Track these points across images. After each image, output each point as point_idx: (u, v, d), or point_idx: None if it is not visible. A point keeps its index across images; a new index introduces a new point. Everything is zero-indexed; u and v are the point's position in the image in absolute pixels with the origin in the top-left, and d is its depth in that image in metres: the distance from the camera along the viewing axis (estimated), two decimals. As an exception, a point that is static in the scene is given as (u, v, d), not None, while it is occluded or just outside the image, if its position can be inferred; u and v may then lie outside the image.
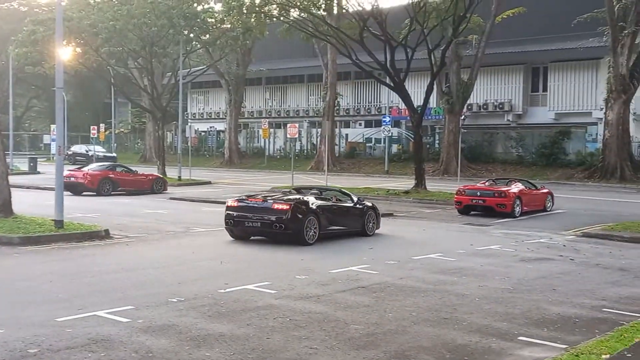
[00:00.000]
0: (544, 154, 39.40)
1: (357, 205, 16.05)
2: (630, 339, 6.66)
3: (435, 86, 32.38)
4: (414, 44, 26.32)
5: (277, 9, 30.50)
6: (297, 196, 15.25)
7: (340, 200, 16.17)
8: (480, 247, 14.33)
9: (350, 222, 15.67)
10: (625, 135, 35.14)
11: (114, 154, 54.57)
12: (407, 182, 30.33)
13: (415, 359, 6.54)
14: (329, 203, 15.49)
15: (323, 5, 29.84)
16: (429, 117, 41.58)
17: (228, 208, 14.62)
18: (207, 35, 38.35)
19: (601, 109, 36.71)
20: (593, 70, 39.49)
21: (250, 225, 14.22)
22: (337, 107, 47.47)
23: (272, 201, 14.29)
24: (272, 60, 54.11)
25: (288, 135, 33.42)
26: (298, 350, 6.70)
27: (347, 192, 17.31)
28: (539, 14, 40.12)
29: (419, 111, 27.24)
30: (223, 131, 54.35)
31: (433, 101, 40.10)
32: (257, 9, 30.38)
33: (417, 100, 30.84)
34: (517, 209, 20.46)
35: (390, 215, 20.03)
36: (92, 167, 28.21)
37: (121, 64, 39.76)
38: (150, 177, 29.02)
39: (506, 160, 41.20)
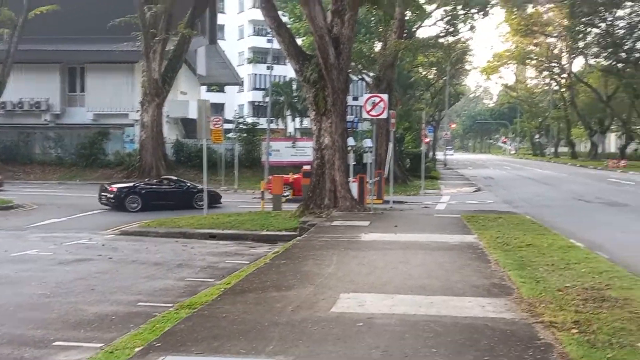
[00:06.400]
0: (83, 154, 39.25)
1: (187, 189, 24.28)
2: (162, 328, 7.06)
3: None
4: None
5: None
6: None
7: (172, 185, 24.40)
8: (16, 253, 13.59)
9: (177, 200, 23.56)
10: (159, 136, 37.31)
11: None
12: None
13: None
14: (154, 187, 24.24)
15: None
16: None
17: (102, 190, 23.51)
18: None
19: (137, 111, 38.17)
20: (129, 73, 40.69)
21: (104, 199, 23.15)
22: None
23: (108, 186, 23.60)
24: None
25: None
26: None
27: (184, 180, 25.56)
28: (74, 14, 39.49)
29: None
30: None
31: (-41, 97, 36.32)
32: None
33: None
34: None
35: None
36: None
37: None
38: None
39: (45, 161, 39.81)
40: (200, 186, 24.76)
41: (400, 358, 5.77)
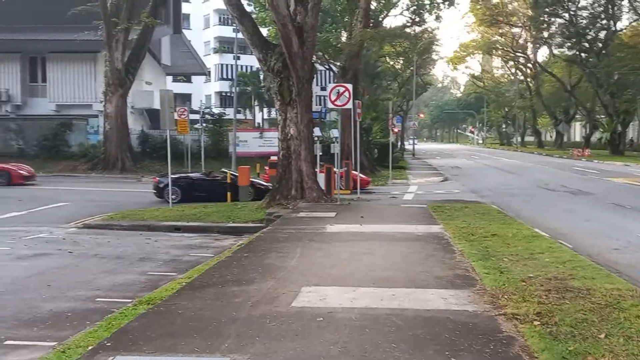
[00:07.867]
0: (46, 146, 38.53)
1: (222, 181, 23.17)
2: (118, 325, 6.81)
3: None
4: None
5: None
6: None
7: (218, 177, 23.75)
8: (-29, 249, 13.19)
9: (213, 192, 22.62)
10: (124, 128, 36.73)
11: None
12: None
13: None
14: (192, 178, 23.95)
15: None
16: None
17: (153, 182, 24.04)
18: None
19: (101, 102, 37.50)
20: (92, 63, 39.99)
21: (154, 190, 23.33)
22: None
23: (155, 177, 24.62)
24: None
25: None
26: None
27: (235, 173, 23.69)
28: (34, 2, 38.75)
29: None
30: None
31: None
32: None
33: None
34: None
35: None
36: None
37: None
38: None
39: (6, 153, 38.74)
40: None
41: (359, 354, 5.64)
